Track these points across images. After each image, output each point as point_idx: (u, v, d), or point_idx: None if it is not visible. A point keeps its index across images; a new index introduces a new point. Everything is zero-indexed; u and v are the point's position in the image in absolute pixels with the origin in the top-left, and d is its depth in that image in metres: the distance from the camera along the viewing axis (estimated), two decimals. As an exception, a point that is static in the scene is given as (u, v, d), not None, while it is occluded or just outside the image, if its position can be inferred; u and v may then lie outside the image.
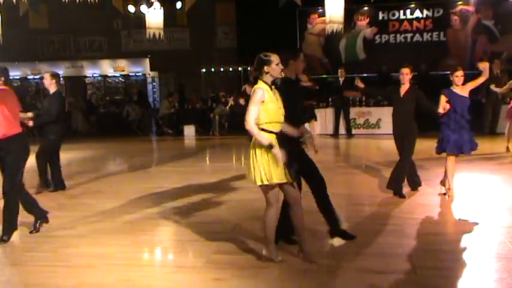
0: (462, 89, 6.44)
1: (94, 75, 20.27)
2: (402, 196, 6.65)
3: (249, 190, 7.05)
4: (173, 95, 17.38)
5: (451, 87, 6.48)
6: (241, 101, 8.31)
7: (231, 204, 6.68)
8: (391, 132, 7.11)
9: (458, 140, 6.41)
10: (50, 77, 7.49)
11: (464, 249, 4.74)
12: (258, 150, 4.15)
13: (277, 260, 4.40)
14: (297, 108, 4.80)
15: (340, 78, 14.41)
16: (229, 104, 15.85)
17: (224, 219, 5.92)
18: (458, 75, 6.40)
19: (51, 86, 7.51)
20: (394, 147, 7.90)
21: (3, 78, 7.06)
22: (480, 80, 6.57)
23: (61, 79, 18.83)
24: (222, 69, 19.11)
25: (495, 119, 13.07)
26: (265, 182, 4.15)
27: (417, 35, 17.60)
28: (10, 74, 19.87)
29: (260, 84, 4.20)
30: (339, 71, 14.57)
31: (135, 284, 4.15)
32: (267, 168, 4.12)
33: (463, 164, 9.10)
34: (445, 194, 6.69)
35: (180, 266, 4.53)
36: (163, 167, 10.26)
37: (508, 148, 10.26)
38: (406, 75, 6.64)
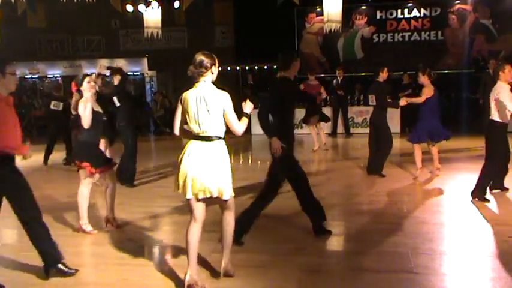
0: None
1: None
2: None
3: (246, 189, 7.06)
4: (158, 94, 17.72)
5: None
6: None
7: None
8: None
9: None
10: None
11: (463, 248, 4.74)
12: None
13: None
14: (293, 108, 4.94)
15: (338, 78, 14.41)
16: None
17: (222, 218, 5.90)
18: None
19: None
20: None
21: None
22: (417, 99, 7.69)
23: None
24: (220, 69, 19.05)
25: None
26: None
27: (415, 34, 17.61)
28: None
29: None
30: (337, 71, 14.55)
31: (133, 283, 4.15)
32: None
33: (461, 163, 9.14)
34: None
35: (178, 265, 4.52)
36: (161, 166, 10.25)
37: None
38: None
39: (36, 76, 20.09)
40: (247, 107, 4.04)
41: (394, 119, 12.16)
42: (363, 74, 17.12)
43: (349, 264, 4.43)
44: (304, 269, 4.27)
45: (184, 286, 3.85)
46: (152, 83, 19.98)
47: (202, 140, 3.78)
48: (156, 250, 5.14)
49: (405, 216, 5.83)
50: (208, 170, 3.73)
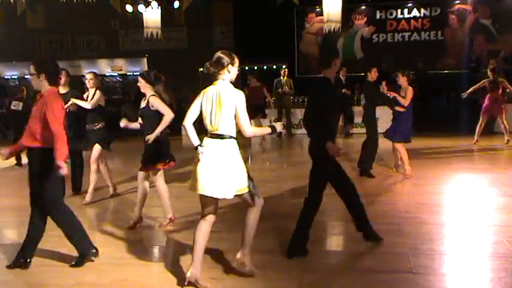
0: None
1: (92, 74, 20.24)
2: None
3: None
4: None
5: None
6: None
7: (227, 203, 6.64)
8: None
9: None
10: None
11: (462, 248, 4.74)
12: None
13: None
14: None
15: (341, 77, 14.32)
16: None
17: (220, 219, 5.88)
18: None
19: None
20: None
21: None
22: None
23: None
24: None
25: (493, 119, 13.07)
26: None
27: (415, 34, 17.62)
28: (7, 73, 20.07)
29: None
30: (341, 70, 14.44)
31: (132, 283, 4.14)
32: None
33: (461, 163, 9.13)
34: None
35: (178, 265, 4.52)
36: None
37: (477, 141, 10.99)
38: None
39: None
40: (278, 125, 4.12)
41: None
42: (363, 74, 17.10)
43: (349, 264, 4.43)
44: (304, 269, 4.26)
45: (184, 282, 3.90)
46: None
47: (214, 138, 3.83)
48: (155, 250, 5.14)
49: (405, 216, 5.82)
50: (213, 168, 3.78)
